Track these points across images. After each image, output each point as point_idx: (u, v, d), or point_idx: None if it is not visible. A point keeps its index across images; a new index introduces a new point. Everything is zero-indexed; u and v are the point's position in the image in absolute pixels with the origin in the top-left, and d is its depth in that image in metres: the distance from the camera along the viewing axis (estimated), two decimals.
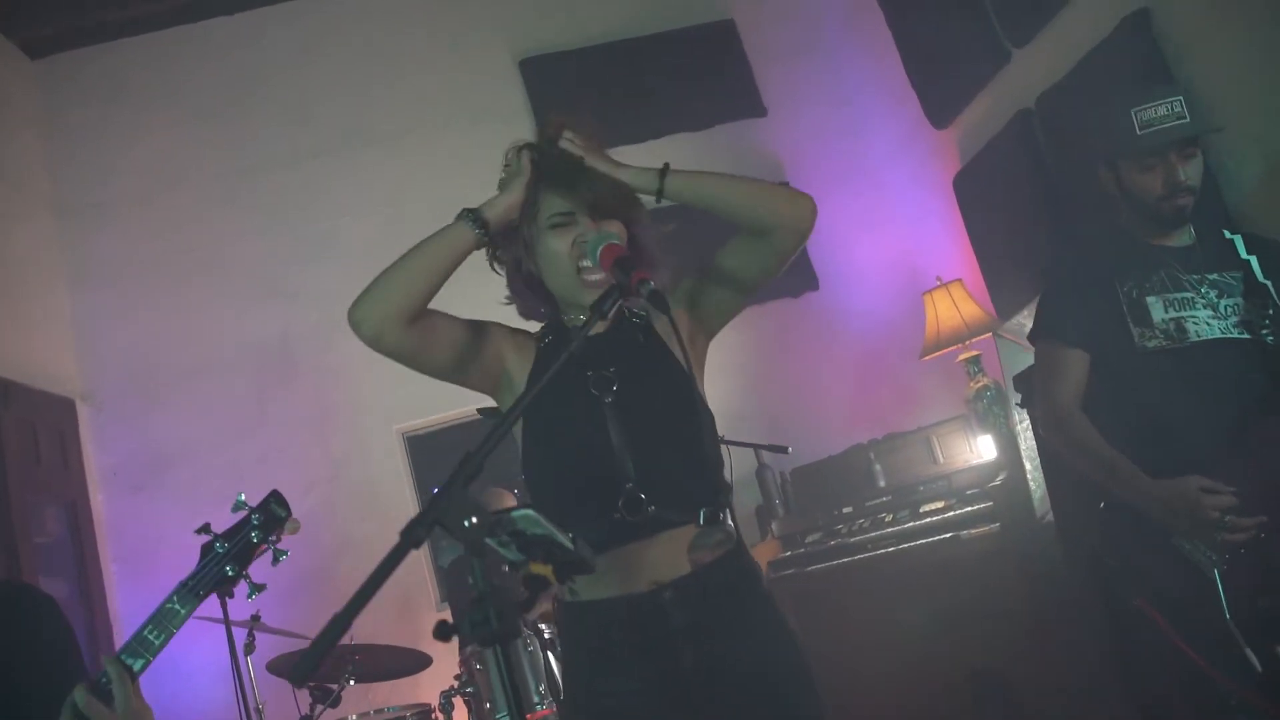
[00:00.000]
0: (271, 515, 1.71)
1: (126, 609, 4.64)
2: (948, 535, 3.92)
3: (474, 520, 1.22)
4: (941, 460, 4.29)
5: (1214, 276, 2.02)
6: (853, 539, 4.20)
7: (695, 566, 1.56)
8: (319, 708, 3.64)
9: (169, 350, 4.90)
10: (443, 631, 1.22)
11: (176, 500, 4.78)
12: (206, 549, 1.70)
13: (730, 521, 1.63)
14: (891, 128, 5.19)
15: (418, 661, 3.70)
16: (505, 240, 1.69)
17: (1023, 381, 3.03)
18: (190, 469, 4.82)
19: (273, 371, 4.97)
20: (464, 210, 1.64)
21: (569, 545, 1.38)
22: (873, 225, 5.25)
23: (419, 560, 4.96)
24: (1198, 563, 1.83)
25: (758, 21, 5.52)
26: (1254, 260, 2.02)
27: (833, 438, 4.75)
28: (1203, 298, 1.99)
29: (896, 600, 4.06)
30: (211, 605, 3.20)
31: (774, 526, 4.63)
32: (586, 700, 1.61)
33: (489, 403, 5.45)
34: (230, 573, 1.68)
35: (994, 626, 3.83)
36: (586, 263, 1.59)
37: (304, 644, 3.56)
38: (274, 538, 1.74)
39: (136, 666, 1.57)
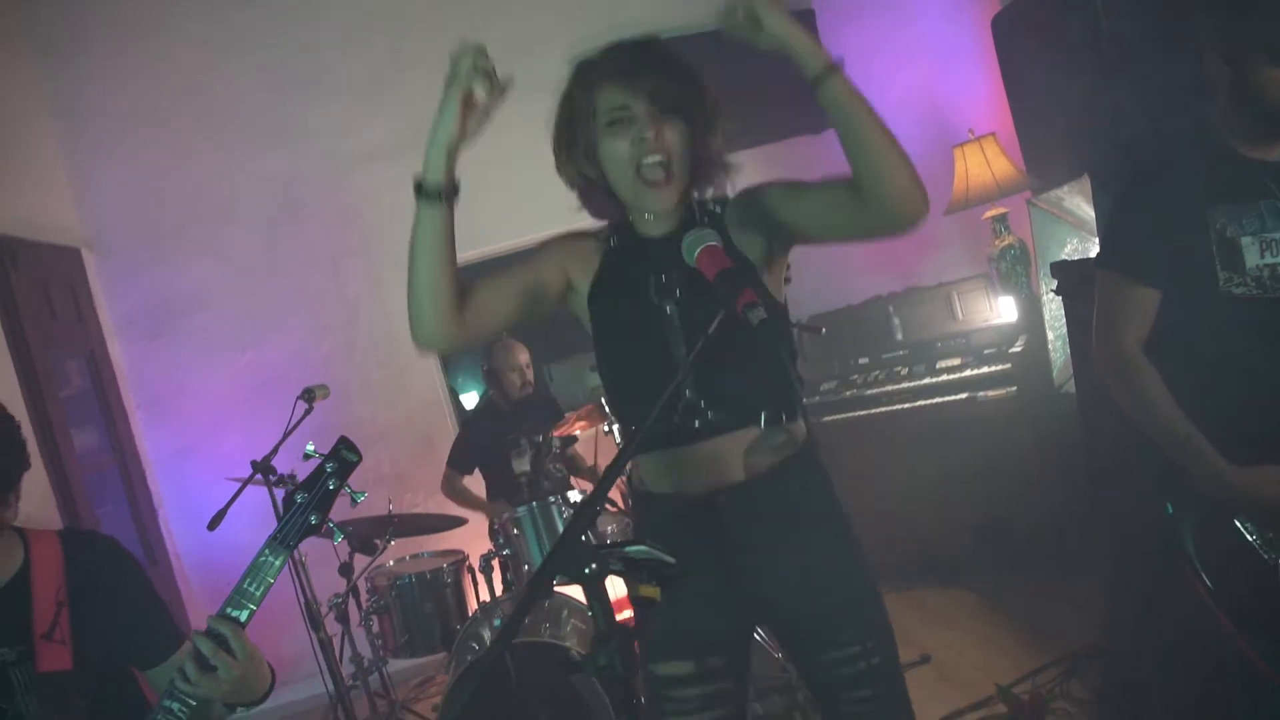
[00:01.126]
0: (344, 461, 1.69)
1: (156, 453, 4.75)
2: (964, 395, 4.02)
3: (593, 566, 1.24)
4: (961, 318, 4.32)
5: None
6: (868, 392, 4.30)
7: (751, 473, 1.58)
8: (357, 555, 3.82)
9: (173, 195, 4.73)
10: (569, 668, 1.28)
11: (194, 346, 4.79)
12: (288, 500, 1.69)
13: (798, 421, 1.64)
14: None
15: (451, 522, 3.85)
16: (564, 144, 1.63)
17: (1063, 271, 2.97)
18: (205, 315, 4.79)
19: (282, 214, 4.83)
20: (415, 186, 1.54)
21: (672, 562, 1.43)
22: (904, 63, 4.97)
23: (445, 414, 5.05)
24: (1258, 547, 1.75)
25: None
26: None
27: (851, 287, 4.75)
28: None
29: (909, 454, 4.21)
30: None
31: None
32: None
33: (509, 236, 5.28)
34: (314, 521, 1.67)
35: (1002, 482, 4.01)
36: (648, 160, 1.54)
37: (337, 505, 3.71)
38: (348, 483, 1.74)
39: (243, 617, 1.62)
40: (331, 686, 3.29)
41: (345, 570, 3.78)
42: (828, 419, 4.38)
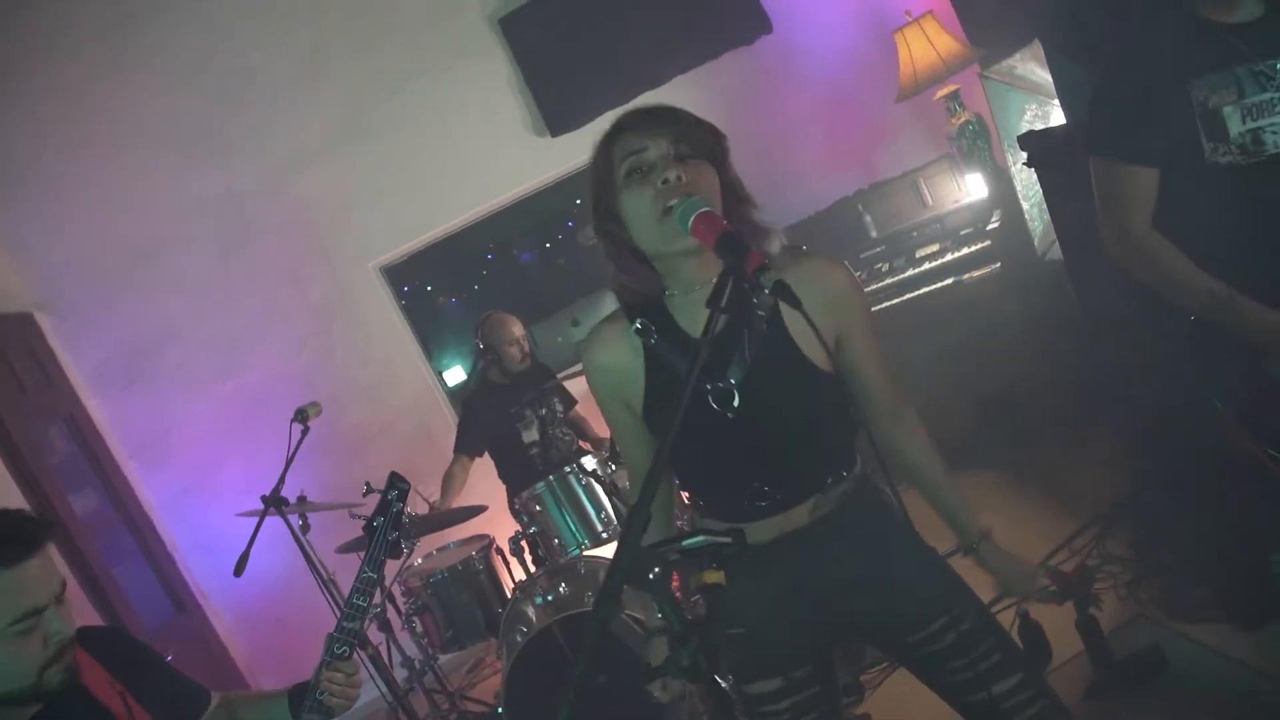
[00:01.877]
0: (400, 488, 2.01)
1: (159, 499, 4.68)
2: (949, 281, 4.01)
3: (657, 570, 1.22)
4: (931, 203, 4.29)
5: None
6: None
7: (814, 519, 1.59)
8: (387, 561, 3.80)
9: (116, 238, 4.58)
10: (648, 677, 1.27)
11: (172, 384, 4.70)
12: (369, 528, 1.98)
13: (852, 475, 1.63)
14: None
15: (471, 512, 3.83)
16: (592, 210, 1.53)
17: (1032, 142, 2.93)
18: (176, 351, 4.68)
19: (231, 234, 4.69)
20: None
21: (729, 541, 1.41)
22: None
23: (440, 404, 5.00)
24: None
25: None
26: None
27: (817, 192, 4.69)
28: (1279, 95, 1.79)
29: (902, 349, 4.19)
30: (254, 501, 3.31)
31: None
32: (722, 610, 1.70)
33: (459, 213, 5.15)
34: (394, 537, 1.98)
35: (999, 359, 4.03)
36: (673, 202, 1.39)
37: (344, 511, 3.68)
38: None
39: (357, 626, 1.86)
40: (389, 695, 3.30)
41: (375, 585, 3.76)
42: None
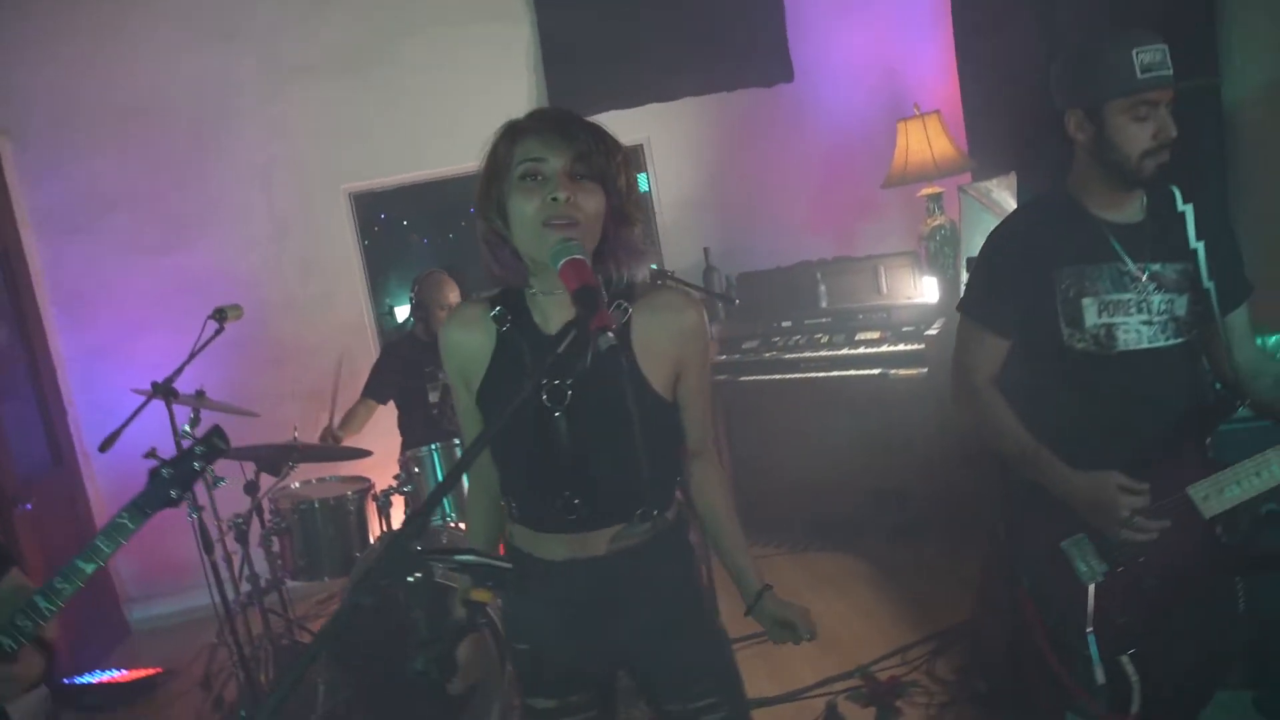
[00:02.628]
0: (213, 448, 1.86)
1: (70, 351, 4.68)
2: (877, 371, 4.10)
3: (417, 576, 1.28)
4: (885, 292, 4.37)
5: (1157, 268, 1.92)
6: (787, 355, 4.36)
7: (611, 551, 1.62)
8: (262, 475, 3.83)
9: (98, 85, 4.56)
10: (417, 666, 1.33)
11: (115, 246, 4.68)
12: (153, 473, 1.81)
13: (663, 518, 1.67)
14: None
15: (357, 453, 3.87)
16: (480, 197, 1.56)
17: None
18: (128, 215, 4.67)
19: (213, 118, 4.69)
20: None
21: (507, 568, 1.47)
22: (862, 24, 4.93)
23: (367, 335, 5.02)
24: (1079, 572, 1.92)
25: None
26: (1201, 249, 1.94)
27: (786, 248, 4.78)
28: (1139, 297, 1.92)
29: (818, 421, 4.33)
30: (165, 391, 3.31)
31: (714, 329, 4.75)
32: (511, 625, 1.77)
33: (443, 164, 5.21)
34: (174, 496, 1.81)
35: (903, 457, 4.16)
36: (556, 221, 1.45)
37: (239, 416, 3.70)
38: (211, 467, 1.94)
39: (89, 570, 1.73)
40: (222, 608, 3.34)
41: (250, 489, 3.79)
42: (745, 378, 4.45)
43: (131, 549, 4.76)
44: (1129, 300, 1.92)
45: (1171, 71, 1.84)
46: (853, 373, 4.16)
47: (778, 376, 4.36)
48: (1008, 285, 1.99)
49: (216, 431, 1.90)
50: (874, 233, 4.83)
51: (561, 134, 1.48)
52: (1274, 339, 2.80)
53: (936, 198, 4.23)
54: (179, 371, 3.29)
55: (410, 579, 1.29)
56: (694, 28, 4.87)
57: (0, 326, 4.33)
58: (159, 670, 4.24)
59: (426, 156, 4.84)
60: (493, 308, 1.62)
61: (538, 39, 4.85)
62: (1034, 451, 1.94)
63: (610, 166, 1.52)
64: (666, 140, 5.05)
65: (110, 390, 4.65)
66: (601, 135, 1.52)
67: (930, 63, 4.66)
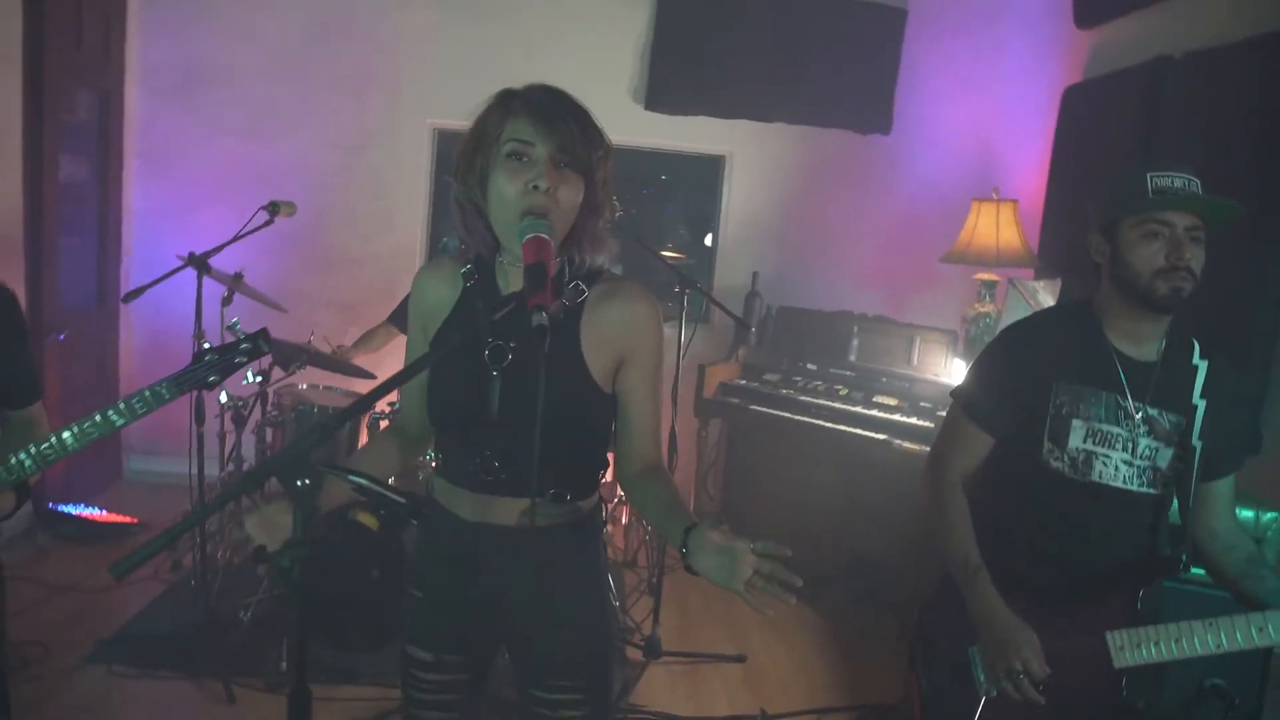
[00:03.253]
0: (257, 347, 1.98)
1: (140, 205, 4.89)
2: (883, 437, 4.08)
3: (306, 481, 1.34)
4: (915, 363, 4.35)
5: (1154, 412, 1.90)
6: (802, 397, 4.36)
7: (520, 525, 1.66)
8: (275, 367, 3.98)
9: None
10: (260, 556, 1.39)
11: (207, 117, 4.87)
12: (198, 355, 1.95)
13: (589, 498, 1.72)
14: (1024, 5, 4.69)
15: (363, 373, 3.99)
16: (462, 164, 1.59)
17: None
18: (227, 91, 4.86)
19: (329, 23, 4.85)
20: None
21: (401, 501, 1.54)
22: (969, 95, 4.90)
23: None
24: (977, 680, 1.91)
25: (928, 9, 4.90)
26: (1201, 408, 1.90)
27: (832, 290, 4.79)
28: (1128, 435, 1.90)
29: (815, 468, 4.33)
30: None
31: (740, 352, 4.78)
32: (412, 570, 1.82)
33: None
34: (212, 380, 1.94)
35: (885, 528, 4.14)
36: (534, 207, 1.50)
37: (274, 311, 3.85)
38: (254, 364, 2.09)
39: (118, 424, 1.87)
40: (198, 480, 3.48)
41: (259, 377, 3.94)
42: (755, 407, 4.46)
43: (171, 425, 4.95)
44: (1118, 435, 1.91)
45: (1197, 194, 1.81)
46: (860, 432, 4.15)
47: (787, 414, 4.36)
48: (1008, 385, 1.99)
49: (263, 334, 2.01)
50: (922, 302, 4.80)
51: (554, 120, 1.51)
52: (1270, 515, 2.74)
53: (991, 285, 4.19)
54: (218, 249, 3.43)
55: (299, 483, 1.37)
56: (806, 57, 4.88)
57: (84, 164, 4.55)
58: (134, 520, 4.43)
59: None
60: (464, 266, 1.69)
61: (653, 26, 4.90)
62: (972, 568, 1.92)
63: (593, 159, 1.56)
64: (748, 159, 5.07)
65: (166, 249, 4.81)
66: (590, 126, 1.56)
67: (1025, 152, 4.60)
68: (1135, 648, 1.84)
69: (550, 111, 1.52)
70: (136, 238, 4.90)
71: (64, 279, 4.37)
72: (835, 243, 5.00)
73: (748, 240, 5.10)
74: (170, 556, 4.07)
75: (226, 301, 3.73)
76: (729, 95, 4.93)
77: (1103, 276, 1.94)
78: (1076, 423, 1.92)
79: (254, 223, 3.57)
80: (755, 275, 4.84)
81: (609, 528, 4.84)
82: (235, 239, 3.50)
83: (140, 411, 1.88)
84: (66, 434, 1.85)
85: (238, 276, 3.76)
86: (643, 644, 3.68)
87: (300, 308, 4.66)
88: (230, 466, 3.91)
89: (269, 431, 3.92)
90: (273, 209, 3.62)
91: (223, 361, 1.95)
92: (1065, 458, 1.92)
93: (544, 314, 1.38)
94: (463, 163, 1.59)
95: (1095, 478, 1.91)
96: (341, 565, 3.22)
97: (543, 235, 1.49)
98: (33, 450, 1.84)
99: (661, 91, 4.94)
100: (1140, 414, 1.91)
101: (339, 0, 4.84)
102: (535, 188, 1.50)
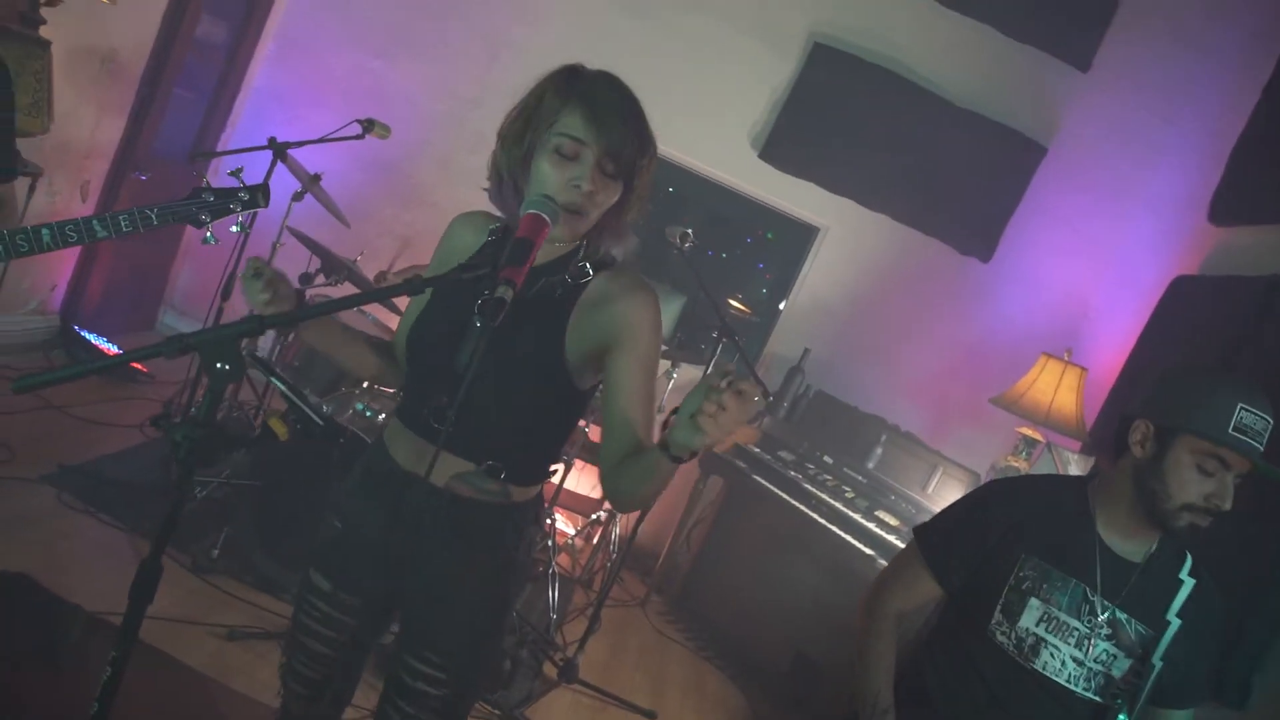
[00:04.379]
0: (253, 198, 2.02)
1: (261, 83, 5.02)
2: (871, 552, 3.95)
3: (226, 366, 1.32)
4: (929, 491, 4.21)
5: (1122, 616, 1.76)
6: (807, 485, 4.25)
7: (447, 489, 1.63)
8: (320, 275, 4.03)
9: None
10: (159, 421, 1.38)
11: (353, 23, 5.00)
12: (195, 191, 1.96)
13: (526, 487, 1.69)
14: (1175, 180, 4.53)
15: (394, 309, 4.01)
16: (512, 135, 1.57)
17: None
18: (379, 5, 4.97)
19: None
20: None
21: (316, 421, 1.52)
22: (1075, 250, 4.76)
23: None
24: None
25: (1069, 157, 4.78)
26: (1173, 627, 1.76)
27: (871, 391, 4.68)
28: (1086, 631, 1.75)
29: (796, 559, 4.20)
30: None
31: (765, 421, 4.68)
32: (339, 499, 1.79)
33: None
34: (203, 218, 1.97)
35: (840, 640, 3.98)
36: (570, 203, 1.51)
37: (337, 225, 3.90)
38: (243, 215, 2.03)
39: (100, 234, 1.88)
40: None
41: (304, 279, 3.98)
42: (757, 477, 4.36)
43: (194, 267, 5.09)
44: (1074, 629, 1.77)
45: (1262, 447, 1.67)
46: (851, 540, 4.02)
47: (787, 497, 4.25)
48: (972, 541, 1.87)
49: (263, 188, 2.05)
50: (958, 434, 4.65)
51: (610, 125, 1.50)
52: None
53: (1032, 442, 4.04)
54: (301, 143, 3.50)
55: (218, 365, 1.35)
56: (931, 161, 4.80)
57: (223, 28, 4.70)
58: (145, 370, 4.52)
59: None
60: (495, 223, 1.70)
61: (792, 82, 4.88)
62: (880, 710, 1.83)
63: (638, 166, 1.55)
64: (841, 237, 5.00)
65: (268, 133, 4.95)
66: (644, 132, 1.54)
67: (1114, 324, 4.44)
68: None
69: (610, 114, 1.50)
70: (246, 114, 5.03)
71: (166, 126, 4.50)
72: (894, 347, 4.88)
73: (812, 315, 5.01)
74: (158, 413, 4.13)
75: (298, 197, 3.79)
76: (841, 170, 4.87)
77: (1124, 465, 1.80)
78: (1034, 602, 1.78)
79: (345, 132, 3.63)
80: (805, 352, 4.75)
81: (575, 541, 4.78)
82: (321, 140, 3.57)
83: (125, 228, 1.89)
84: (45, 230, 1.85)
85: (315, 177, 3.82)
86: (561, 663, 3.60)
87: (365, 231, 4.73)
88: (244, 351, 3.96)
89: (291, 334, 3.95)
90: (367, 125, 3.68)
91: (217, 203, 1.98)
92: (1013, 635, 1.79)
93: (509, 289, 1.36)
94: (511, 131, 1.58)
95: (1038, 666, 1.77)
96: (297, 476, 3.23)
97: (544, 216, 1.47)
98: (5, 236, 1.83)
99: (779, 146, 4.90)
100: (1106, 614, 1.77)
101: None
102: (577, 187, 1.49)
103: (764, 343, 5.17)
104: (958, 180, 4.80)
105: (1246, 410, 1.66)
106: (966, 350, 4.81)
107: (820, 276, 5.05)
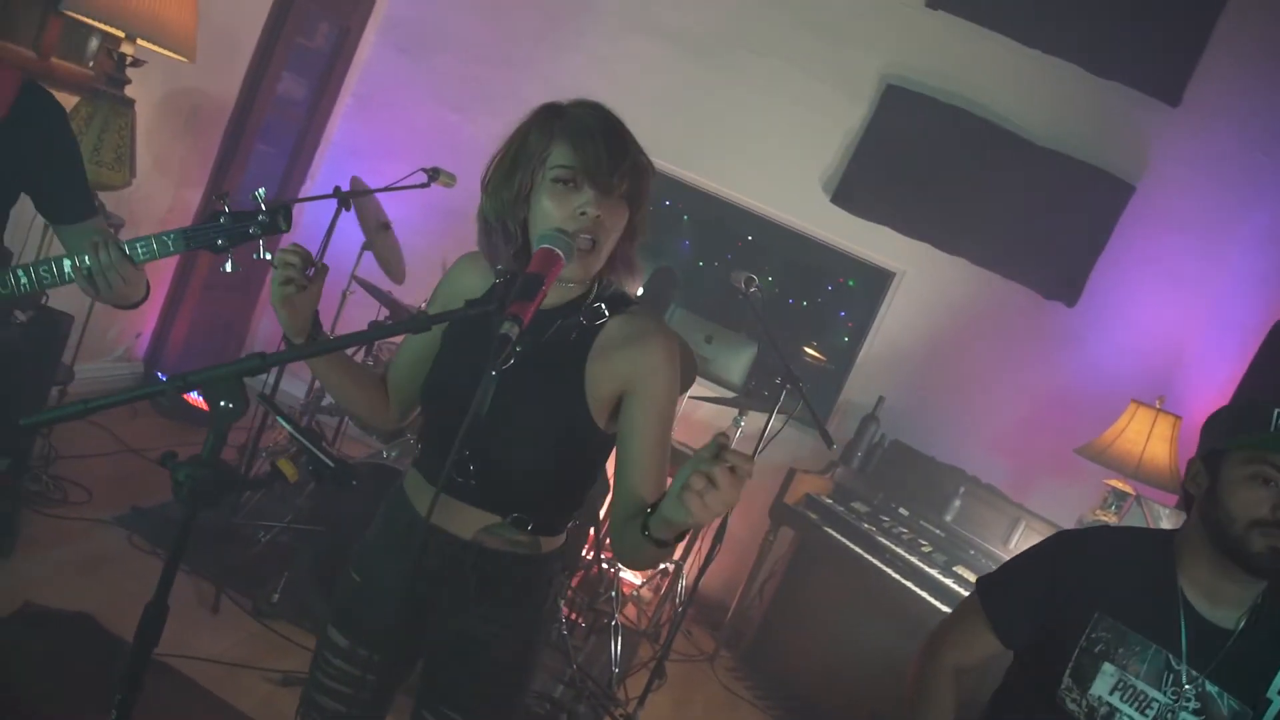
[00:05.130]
0: (274, 222, 1.85)
1: (339, 137, 5.18)
2: (947, 609, 3.74)
3: (230, 405, 1.30)
4: (1011, 546, 4.00)
5: (1213, 689, 1.57)
6: (882, 539, 4.08)
7: (474, 541, 1.59)
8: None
9: None
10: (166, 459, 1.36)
11: (428, 78, 5.12)
12: (213, 214, 1.86)
13: (552, 536, 1.64)
14: (1276, 215, 4.27)
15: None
16: (500, 179, 1.53)
17: None
18: (451, 59, 5.09)
19: (560, 30, 5.02)
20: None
21: (328, 463, 1.48)
22: (1169, 295, 4.51)
23: None
24: None
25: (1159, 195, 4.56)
26: (1274, 706, 1.57)
27: (950, 442, 4.47)
28: (1169, 704, 1.59)
29: (869, 616, 4.02)
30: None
31: (838, 471, 4.53)
32: (360, 552, 1.75)
33: (721, 181, 5.13)
34: (220, 243, 1.84)
35: None
36: (582, 235, 1.45)
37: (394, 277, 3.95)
38: (263, 241, 1.89)
39: (131, 254, 1.83)
40: (271, 387, 3.59)
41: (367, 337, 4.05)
42: (832, 532, 4.20)
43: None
44: (1155, 701, 1.60)
45: None
46: (927, 597, 3.82)
47: (861, 551, 4.07)
48: (1038, 596, 1.70)
49: (284, 211, 1.89)
50: (1042, 486, 4.40)
51: (602, 148, 1.45)
52: None
53: (1121, 495, 3.79)
54: (367, 192, 3.56)
55: (222, 404, 1.33)
56: (1011, 202, 4.63)
57: (304, 86, 4.87)
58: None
59: (707, 165, 4.93)
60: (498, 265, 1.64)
61: (866, 124, 4.79)
62: None
63: (640, 189, 1.50)
64: (918, 282, 4.85)
65: (347, 185, 5.12)
66: (637, 154, 1.49)
67: (1211, 371, 4.17)
68: None
69: (599, 139, 1.45)
70: (326, 166, 5.18)
71: (247, 180, 4.66)
72: (974, 395, 4.68)
73: (888, 362, 4.86)
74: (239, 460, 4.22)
75: (368, 247, 3.86)
76: (917, 213, 4.74)
77: (1194, 511, 1.63)
78: (1108, 667, 1.61)
79: (410, 180, 3.68)
80: (880, 400, 4.59)
81: (642, 592, 4.68)
82: (387, 189, 3.62)
83: (142, 255, 1.83)
84: (66, 262, 1.84)
85: (385, 225, 3.89)
86: (621, 718, 3.49)
87: (424, 279, 4.78)
88: (312, 395, 4.03)
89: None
90: (433, 174, 3.73)
91: (235, 228, 1.84)
92: (1084, 703, 1.62)
93: (515, 326, 1.30)
94: (497, 176, 1.53)
95: None
96: (358, 521, 3.23)
97: (558, 251, 1.42)
98: (31, 271, 1.83)
99: (851, 190, 4.80)
100: (1194, 687, 1.58)
101: (575, 11, 4.98)
102: (584, 213, 1.45)
103: (839, 391, 5.02)
104: (1040, 222, 4.62)
105: None
106: (1051, 398, 4.58)
107: (896, 322, 4.89)
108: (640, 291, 4.27)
